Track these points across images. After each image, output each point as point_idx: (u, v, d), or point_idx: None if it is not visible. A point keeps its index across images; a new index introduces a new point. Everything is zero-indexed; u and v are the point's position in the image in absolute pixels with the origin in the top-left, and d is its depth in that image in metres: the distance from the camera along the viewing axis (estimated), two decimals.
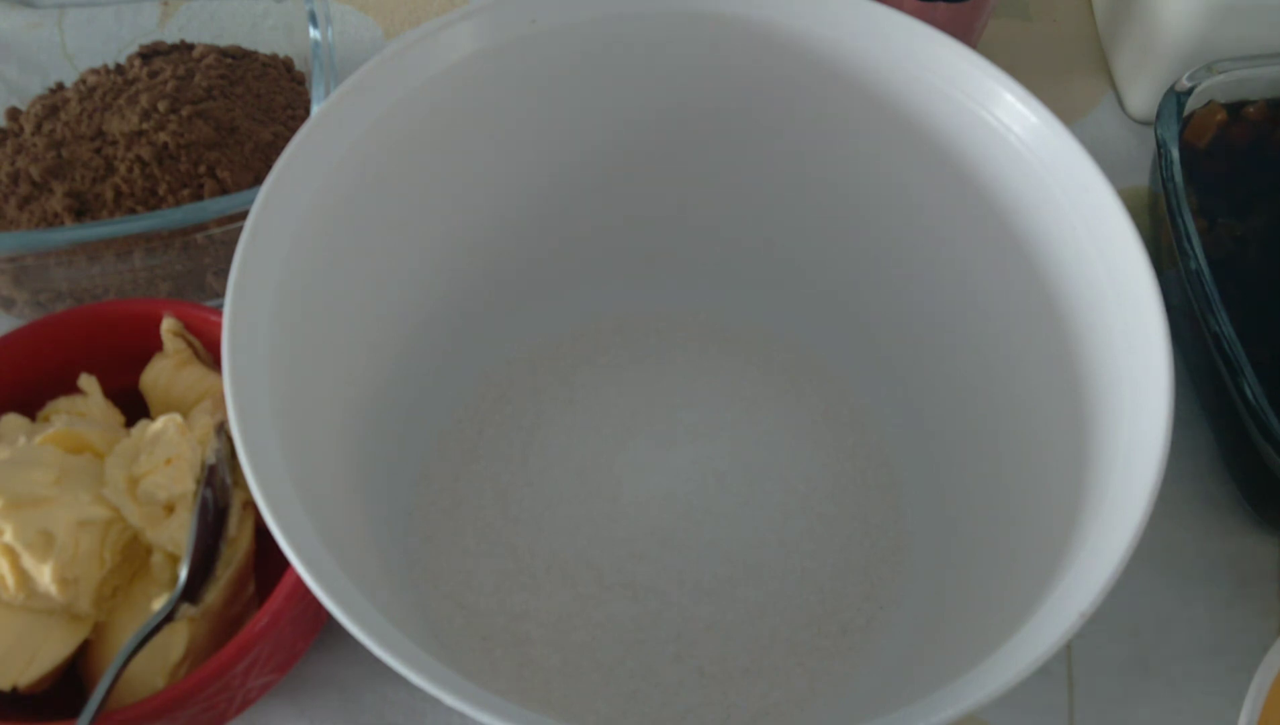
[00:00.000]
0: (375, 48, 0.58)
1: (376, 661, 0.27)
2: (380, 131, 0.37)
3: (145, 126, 0.46)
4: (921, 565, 0.41)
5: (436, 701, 0.27)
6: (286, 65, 0.53)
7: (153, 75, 0.49)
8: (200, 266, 0.46)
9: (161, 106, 0.47)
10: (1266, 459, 0.40)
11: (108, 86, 0.49)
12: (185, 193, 0.46)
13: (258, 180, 0.46)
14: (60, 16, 0.54)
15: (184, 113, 0.47)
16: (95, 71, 0.50)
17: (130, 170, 0.46)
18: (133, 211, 0.45)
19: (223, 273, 0.46)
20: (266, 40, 0.54)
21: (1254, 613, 0.43)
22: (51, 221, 0.45)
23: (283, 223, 0.34)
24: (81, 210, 0.45)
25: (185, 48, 0.52)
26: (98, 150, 0.46)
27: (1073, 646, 0.42)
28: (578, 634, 0.40)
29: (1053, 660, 0.30)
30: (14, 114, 0.50)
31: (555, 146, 0.43)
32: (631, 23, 0.39)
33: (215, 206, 0.44)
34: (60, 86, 0.51)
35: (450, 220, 0.42)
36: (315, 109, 0.45)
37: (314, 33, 0.49)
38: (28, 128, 0.48)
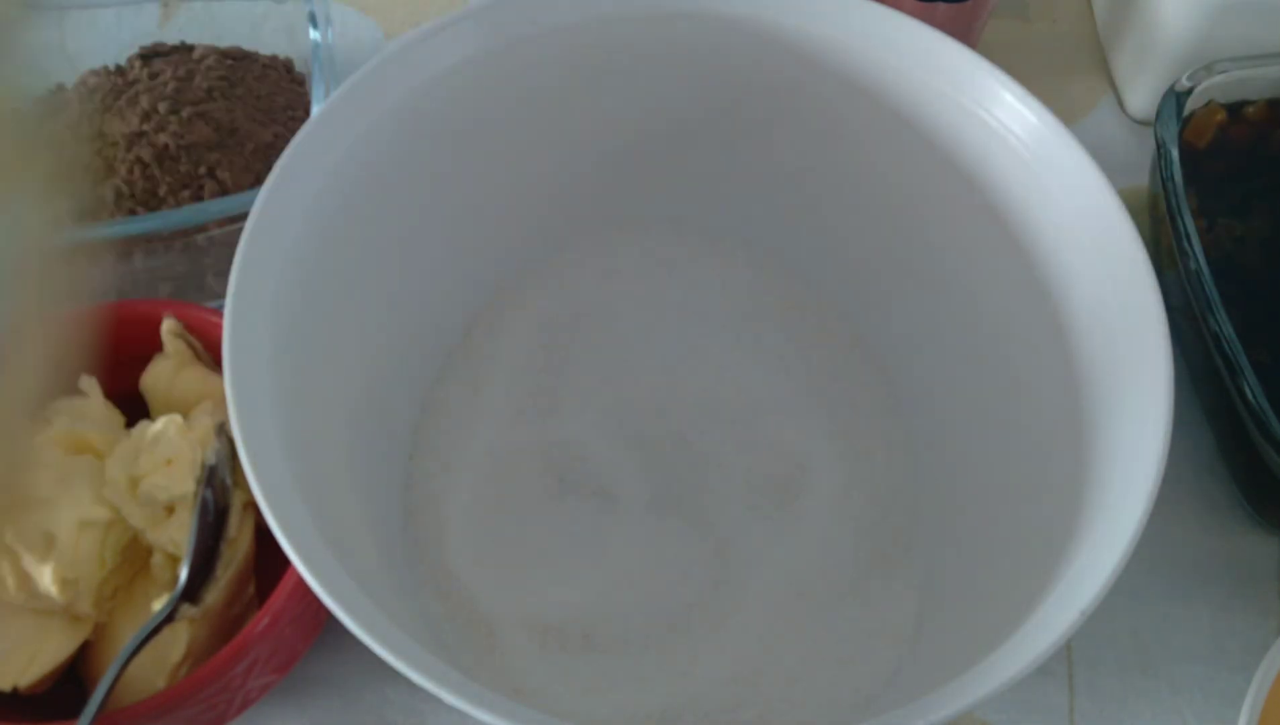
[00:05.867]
0: (375, 48, 0.58)
1: (377, 661, 0.27)
2: (380, 132, 0.37)
3: (145, 128, 0.46)
4: (921, 565, 0.41)
5: (437, 701, 0.27)
6: (287, 66, 0.53)
7: (153, 76, 0.49)
8: (201, 267, 0.46)
9: (162, 108, 0.47)
10: (1266, 459, 0.40)
11: (108, 88, 0.49)
12: (185, 194, 0.46)
13: (258, 181, 0.46)
14: (60, 18, 0.54)
15: (184, 114, 0.47)
16: (95, 73, 0.50)
17: (131, 171, 0.46)
18: (133, 213, 0.45)
19: (223, 273, 0.46)
20: (267, 41, 0.54)
21: (1254, 613, 0.43)
22: None
23: (283, 223, 0.34)
24: (81, 211, 0.45)
25: (185, 49, 0.52)
26: (98, 151, 0.46)
27: (1073, 646, 0.42)
28: (578, 633, 0.40)
29: (1053, 660, 0.30)
30: None
31: (555, 146, 0.43)
32: (631, 23, 0.39)
33: (216, 208, 0.44)
34: (61, 88, 0.51)
35: (450, 220, 0.42)
36: (315, 110, 0.45)
37: (314, 34, 0.49)
38: None
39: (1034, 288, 0.37)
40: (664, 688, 0.39)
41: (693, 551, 0.42)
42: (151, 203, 0.46)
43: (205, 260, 0.46)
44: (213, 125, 0.47)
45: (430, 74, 0.38)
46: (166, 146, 0.46)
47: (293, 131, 0.44)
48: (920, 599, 0.40)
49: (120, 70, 0.50)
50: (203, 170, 0.46)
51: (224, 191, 0.46)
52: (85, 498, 0.36)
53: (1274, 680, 0.37)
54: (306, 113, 0.50)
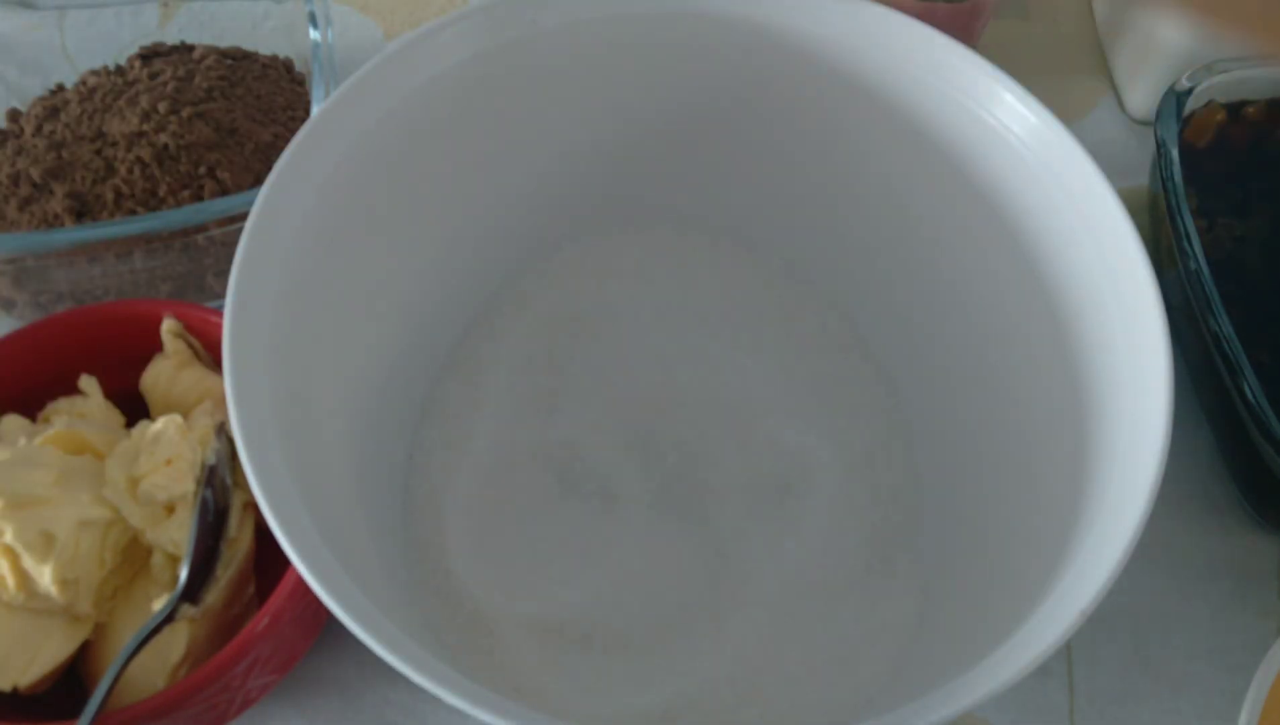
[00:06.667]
0: (375, 48, 0.58)
1: (377, 661, 0.27)
2: (380, 132, 0.37)
3: (145, 128, 0.46)
4: (921, 565, 0.41)
5: (437, 701, 0.27)
6: (287, 66, 0.53)
7: (153, 76, 0.49)
8: (201, 267, 0.46)
9: (162, 108, 0.47)
10: (1267, 459, 0.40)
11: (108, 88, 0.49)
12: (186, 194, 0.46)
13: (258, 181, 0.46)
14: (60, 18, 0.54)
15: (184, 114, 0.47)
16: (95, 73, 0.50)
17: (130, 171, 0.46)
18: (133, 212, 0.45)
19: (223, 273, 0.46)
20: (267, 41, 0.54)
21: (1254, 613, 0.43)
22: (52, 223, 0.45)
23: (283, 223, 0.34)
24: (82, 211, 0.45)
25: (185, 49, 0.52)
26: (98, 151, 0.47)
27: (1073, 646, 0.42)
28: (578, 633, 0.40)
29: (1053, 660, 0.30)
30: (14, 115, 0.50)
31: (554, 146, 0.43)
32: (631, 23, 0.39)
33: (215, 207, 0.44)
34: (61, 88, 0.51)
35: (449, 219, 0.42)
36: (315, 110, 0.45)
37: (314, 34, 0.49)
38: (28, 129, 0.48)
39: (1034, 287, 0.37)
40: (664, 688, 0.39)
41: (693, 551, 0.42)
42: (151, 203, 0.46)
43: (205, 260, 0.46)
44: (213, 125, 0.47)
45: (430, 74, 0.38)
46: (166, 146, 0.46)
47: (293, 131, 0.44)
48: (920, 599, 0.40)
49: (120, 70, 0.50)
50: (202, 170, 0.46)
51: (224, 191, 0.46)
52: (85, 498, 0.36)
53: (1274, 680, 0.37)
54: (306, 113, 0.50)
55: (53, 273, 0.45)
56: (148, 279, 0.46)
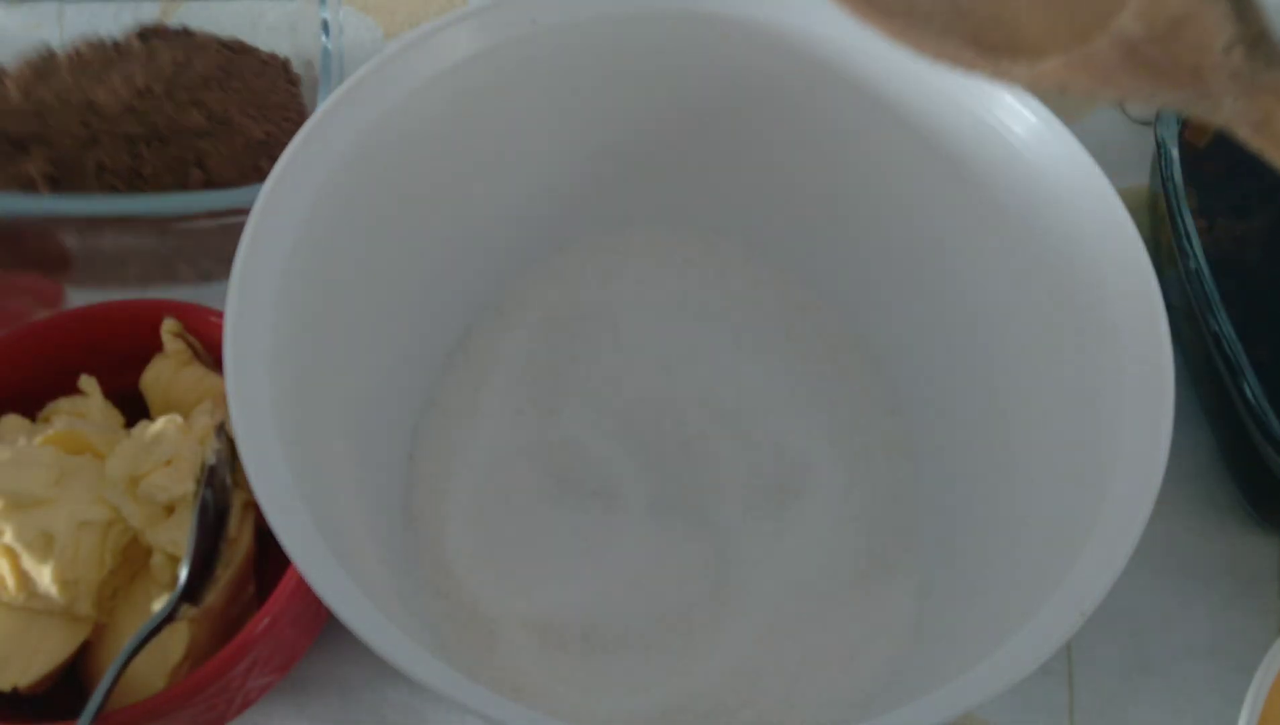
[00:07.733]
0: (375, 48, 0.58)
1: (377, 661, 0.27)
2: (381, 131, 0.37)
3: (137, 104, 0.45)
4: (921, 565, 0.41)
5: (437, 701, 0.27)
6: (285, 66, 0.53)
7: (151, 55, 0.48)
8: (171, 251, 0.45)
9: (157, 88, 0.46)
10: (1266, 459, 0.40)
11: (103, 59, 0.48)
12: (169, 178, 0.45)
13: (244, 176, 0.46)
14: (59, 14, 0.54)
15: (179, 97, 0.46)
16: (90, 43, 0.49)
17: (115, 145, 0.45)
18: (113, 187, 0.44)
19: (194, 262, 0.45)
20: (266, 40, 0.53)
21: (1254, 613, 0.43)
22: (26, 185, 0.44)
23: (283, 223, 0.34)
24: (58, 178, 0.44)
25: (186, 34, 0.51)
26: (84, 122, 0.45)
27: (1073, 646, 0.42)
28: (578, 633, 0.40)
29: (1053, 660, 0.30)
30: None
31: (554, 146, 0.43)
32: (631, 23, 0.39)
33: (208, 200, 0.43)
34: (51, 54, 0.48)
35: (450, 220, 0.42)
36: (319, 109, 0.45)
37: (325, 40, 0.48)
38: (13, 89, 0.47)
39: (1034, 287, 0.37)
40: (664, 688, 0.39)
41: (693, 551, 0.42)
42: (134, 181, 0.44)
43: (177, 244, 0.45)
44: (205, 113, 0.46)
45: (430, 74, 0.38)
46: (156, 127, 0.45)
47: (285, 131, 0.44)
48: (920, 599, 0.40)
49: (117, 45, 0.49)
50: (190, 157, 0.45)
51: (209, 182, 0.45)
52: (85, 498, 0.36)
53: (1274, 680, 0.37)
54: (300, 114, 0.49)
55: (21, 234, 0.44)
56: (115, 255, 0.45)
